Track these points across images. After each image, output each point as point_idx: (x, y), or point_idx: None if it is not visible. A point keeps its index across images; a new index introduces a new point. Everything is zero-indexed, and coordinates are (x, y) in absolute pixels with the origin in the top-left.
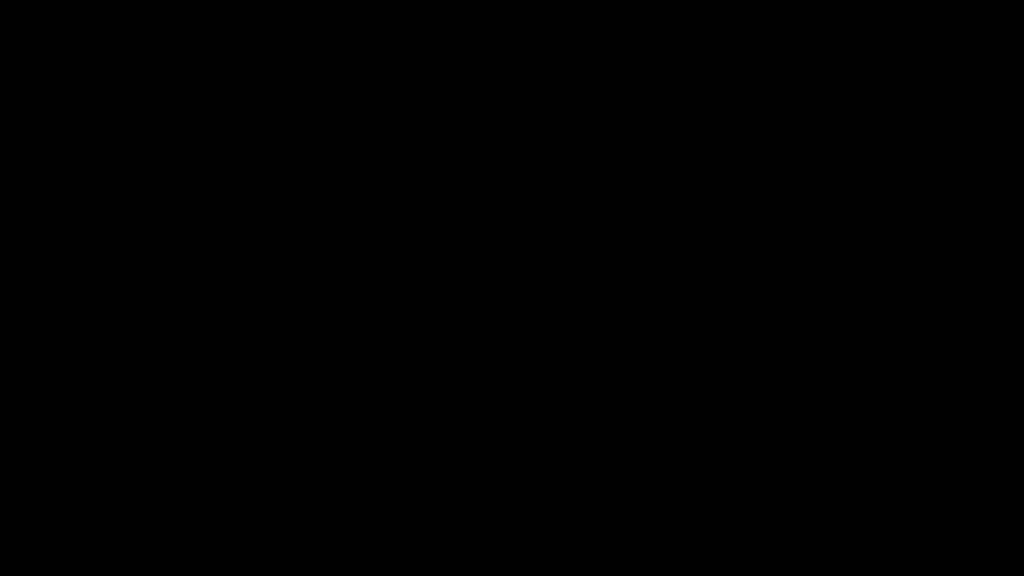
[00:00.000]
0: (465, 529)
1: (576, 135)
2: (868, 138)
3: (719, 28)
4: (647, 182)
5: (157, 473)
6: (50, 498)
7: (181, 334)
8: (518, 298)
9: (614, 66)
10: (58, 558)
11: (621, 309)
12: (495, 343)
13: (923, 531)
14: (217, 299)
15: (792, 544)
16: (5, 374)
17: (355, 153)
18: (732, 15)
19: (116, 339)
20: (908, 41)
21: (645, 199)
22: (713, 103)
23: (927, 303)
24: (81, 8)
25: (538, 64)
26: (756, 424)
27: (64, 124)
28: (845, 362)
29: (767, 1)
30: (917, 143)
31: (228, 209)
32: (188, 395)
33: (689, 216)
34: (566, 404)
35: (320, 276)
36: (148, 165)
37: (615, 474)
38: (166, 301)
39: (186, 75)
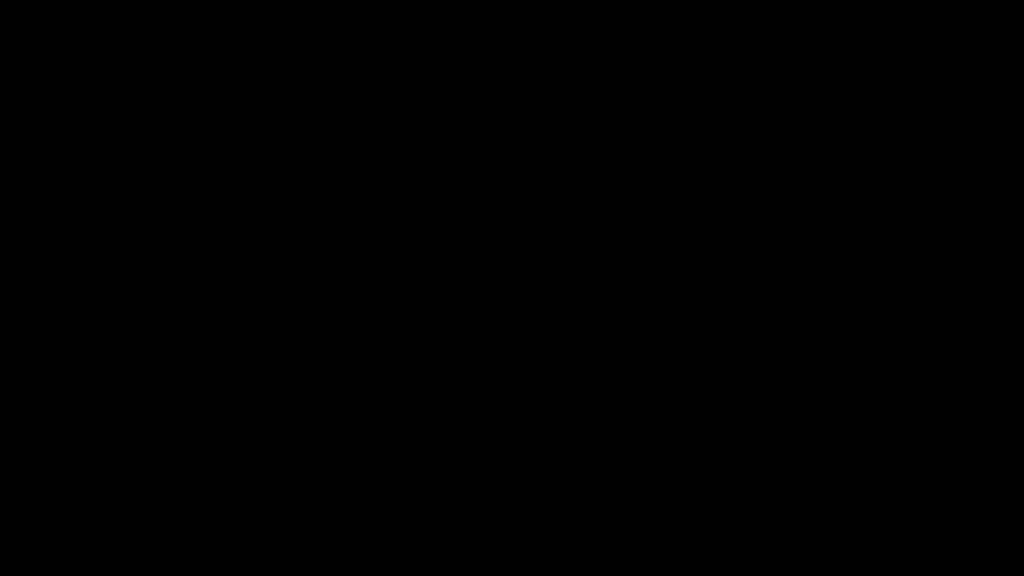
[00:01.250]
0: (465, 529)
1: (576, 135)
2: (868, 138)
3: (719, 28)
4: (647, 182)
5: (157, 473)
6: (50, 498)
7: (181, 334)
8: (518, 298)
9: (614, 66)
10: (58, 558)
11: (621, 309)
12: (495, 343)
13: (923, 531)
14: (217, 299)
15: (792, 544)
16: (5, 374)
17: (355, 153)
18: (732, 15)
19: (116, 339)
20: (908, 41)
21: (645, 199)
22: (713, 103)
23: (927, 303)
24: (81, 8)
25: (538, 64)
26: (756, 424)
27: (64, 124)
28: (845, 362)
29: (767, 1)
30: (917, 143)
31: (228, 209)
32: (188, 395)
33: (689, 216)
34: (566, 404)
35: (320, 276)
36: (148, 165)
37: (615, 474)
38: (166, 301)
39: (186, 75)
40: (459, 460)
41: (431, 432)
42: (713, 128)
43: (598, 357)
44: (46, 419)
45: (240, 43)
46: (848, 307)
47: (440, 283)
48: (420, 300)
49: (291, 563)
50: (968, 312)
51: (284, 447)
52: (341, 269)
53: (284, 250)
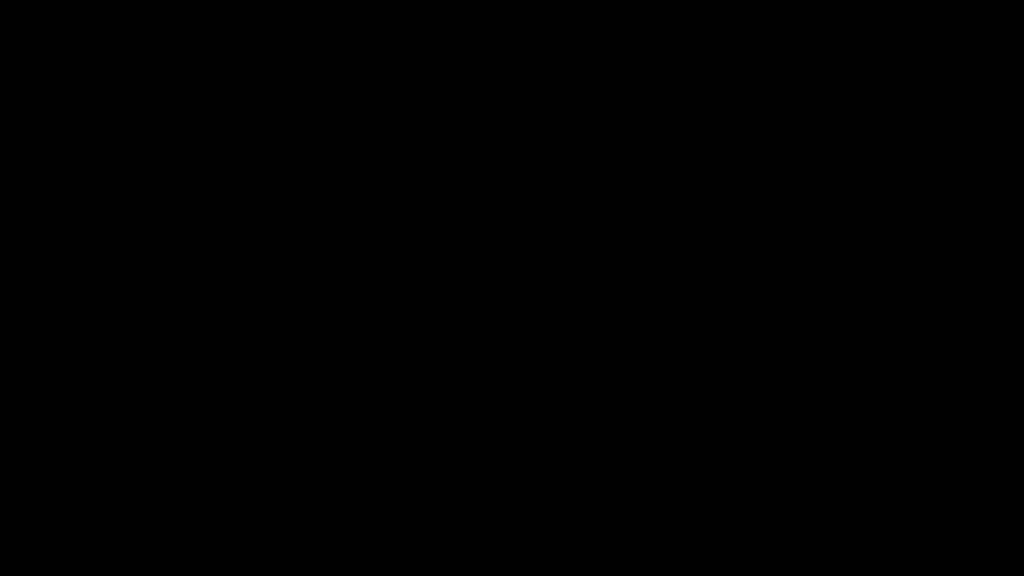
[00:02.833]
0: (465, 529)
1: (576, 135)
2: (868, 138)
3: (719, 28)
4: (647, 182)
5: (157, 473)
6: (50, 498)
7: (181, 334)
8: (518, 298)
9: (614, 66)
10: (58, 558)
11: (621, 309)
12: (495, 343)
13: (923, 531)
14: (217, 299)
15: (792, 544)
16: (5, 374)
17: (355, 153)
18: (732, 15)
19: (116, 339)
20: (908, 41)
21: (645, 199)
22: (713, 103)
23: (927, 303)
24: (81, 8)
25: (538, 64)
26: (756, 424)
27: (64, 124)
28: (845, 362)
29: (767, 1)
30: (917, 143)
31: (228, 209)
32: (188, 395)
33: (689, 216)
34: (566, 404)
35: (320, 276)
36: (148, 165)
37: (615, 474)
38: (166, 301)
39: (186, 75)
40: (459, 460)
41: (431, 432)
42: (713, 128)
43: (598, 357)
44: (46, 419)
45: (240, 43)
46: (848, 307)
47: (440, 283)
48: (420, 300)
49: (291, 563)
50: (968, 312)
51: (284, 447)
52: (341, 269)
53: (284, 250)
